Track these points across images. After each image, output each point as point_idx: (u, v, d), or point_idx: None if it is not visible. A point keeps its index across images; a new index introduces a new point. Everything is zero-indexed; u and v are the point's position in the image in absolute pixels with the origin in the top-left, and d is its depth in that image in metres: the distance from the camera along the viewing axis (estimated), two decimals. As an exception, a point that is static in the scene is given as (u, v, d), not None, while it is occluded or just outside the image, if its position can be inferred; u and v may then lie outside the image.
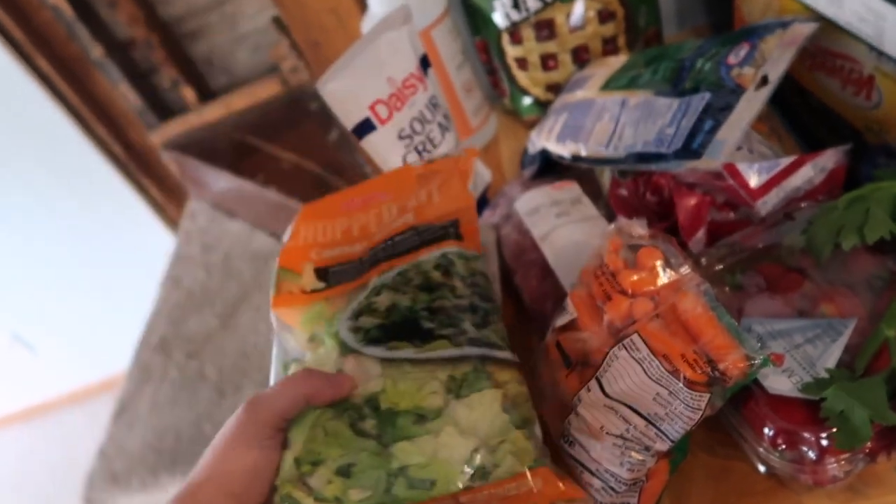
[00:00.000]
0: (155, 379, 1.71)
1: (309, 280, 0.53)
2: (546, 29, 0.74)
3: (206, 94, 1.98)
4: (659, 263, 0.45)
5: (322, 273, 0.53)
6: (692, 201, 0.51)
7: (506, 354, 0.45)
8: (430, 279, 0.48)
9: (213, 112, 1.97)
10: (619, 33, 0.75)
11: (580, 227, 0.62)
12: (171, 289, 1.91)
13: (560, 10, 0.73)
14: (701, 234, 0.50)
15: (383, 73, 0.66)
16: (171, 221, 2.26)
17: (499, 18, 0.75)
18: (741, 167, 0.50)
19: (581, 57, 0.75)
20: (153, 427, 1.55)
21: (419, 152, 0.69)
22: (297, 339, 0.51)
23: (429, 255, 0.49)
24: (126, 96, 1.96)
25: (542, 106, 0.80)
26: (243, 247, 1.98)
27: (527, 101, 0.81)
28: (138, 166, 2.15)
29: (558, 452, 0.46)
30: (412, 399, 0.42)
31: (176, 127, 2.02)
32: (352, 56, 0.65)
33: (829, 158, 0.49)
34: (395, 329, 0.45)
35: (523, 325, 0.63)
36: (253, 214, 1.95)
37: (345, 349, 0.45)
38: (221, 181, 1.97)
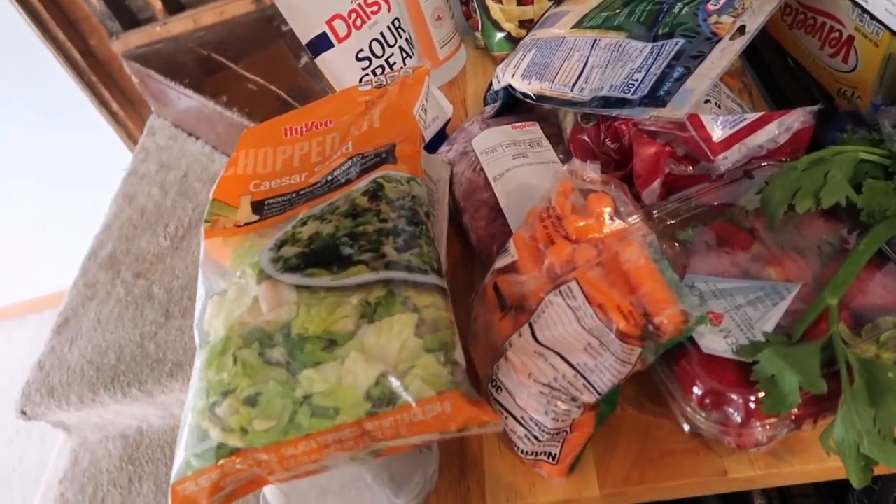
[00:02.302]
0: (100, 295, 1.66)
1: (244, 214, 0.50)
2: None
3: (175, 5, 1.88)
4: (607, 210, 0.43)
5: (258, 206, 0.50)
6: (651, 150, 0.48)
7: (428, 278, 0.42)
8: (356, 205, 0.45)
9: (180, 25, 1.87)
10: (601, -29, 0.71)
11: (536, 170, 0.59)
12: (123, 205, 1.85)
13: (541, -62, 0.68)
14: (656, 184, 0.48)
15: (344, -15, 0.62)
16: (131, 136, 2.18)
17: (476, -58, 0.70)
18: (705, 119, 0.48)
19: (558, -8, 0.71)
20: (95, 343, 1.52)
21: (377, 76, 0.65)
22: (226, 275, 0.48)
23: (360, 184, 0.47)
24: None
25: (514, 42, 0.76)
26: (202, 168, 1.91)
27: (498, 35, 0.77)
28: (99, 75, 2.05)
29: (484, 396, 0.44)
30: (323, 324, 0.40)
31: (140, 37, 1.92)
32: (311, -35, 0.61)
33: (796, 118, 0.47)
34: (314, 257, 0.43)
35: (469, 265, 0.61)
36: (214, 135, 1.88)
37: (261, 276, 0.43)
38: (183, 99, 1.89)
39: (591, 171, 0.45)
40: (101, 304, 1.62)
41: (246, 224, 0.50)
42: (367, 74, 0.64)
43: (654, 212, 0.47)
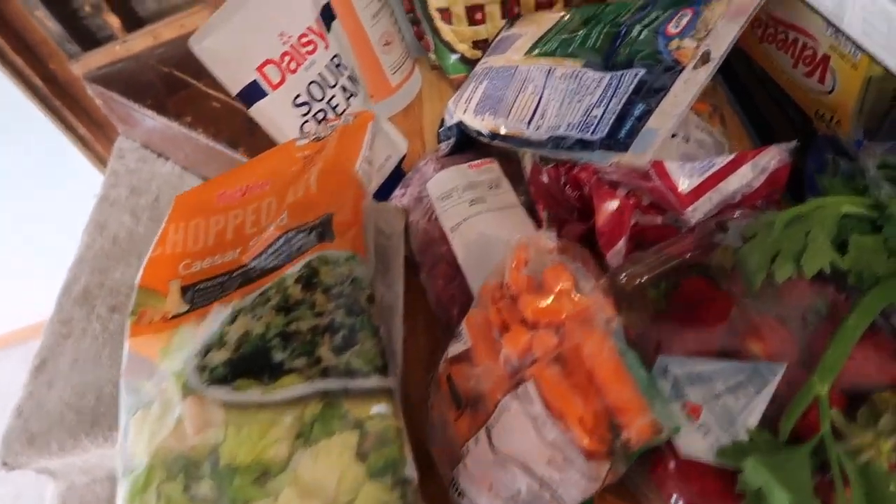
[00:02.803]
0: (76, 333, 1.61)
1: (174, 303, 0.45)
2: (468, -21, 0.64)
3: (133, 21, 1.81)
4: (566, 286, 0.39)
5: (188, 293, 0.46)
6: (613, 205, 0.44)
7: (370, 381, 0.38)
8: (288, 297, 0.40)
9: (140, 42, 1.80)
10: (555, -17, 0.65)
11: (495, 217, 0.54)
12: (95, 234, 1.79)
13: (487, -46, 0.63)
14: (621, 244, 0.43)
15: (274, 27, 0.57)
16: (101, 160, 2.12)
17: (417, -38, 0.64)
18: (670, 167, 0.43)
19: (511, 10, 0.66)
20: (74, 385, 1.47)
21: (319, 122, 0.60)
22: (155, 375, 0.44)
23: (293, 268, 0.42)
24: (44, 22, 1.78)
25: (470, 64, 0.71)
26: (174, 190, 1.85)
27: (453, 57, 0.71)
28: (62, 100, 1.98)
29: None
30: (253, 450, 0.35)
31: (100, 58, 1.85)
32: (234, 6, 0.55)
33: (771, 158, 0.42)
34: (243, 364, 0.38)
35: (433, 323, 0.56)
36: (182, 156, 1.82)
37: (186, 391, 0.38)
38: (148, 119, 1.83)
39: (546, 240, 0.41)
40: (77, 342, 1.57)
41: (175, 316, 0.45)
42: (308, 121, 0.59)
43: (622, 276, 0.43)
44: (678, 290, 0.45)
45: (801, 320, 0.37)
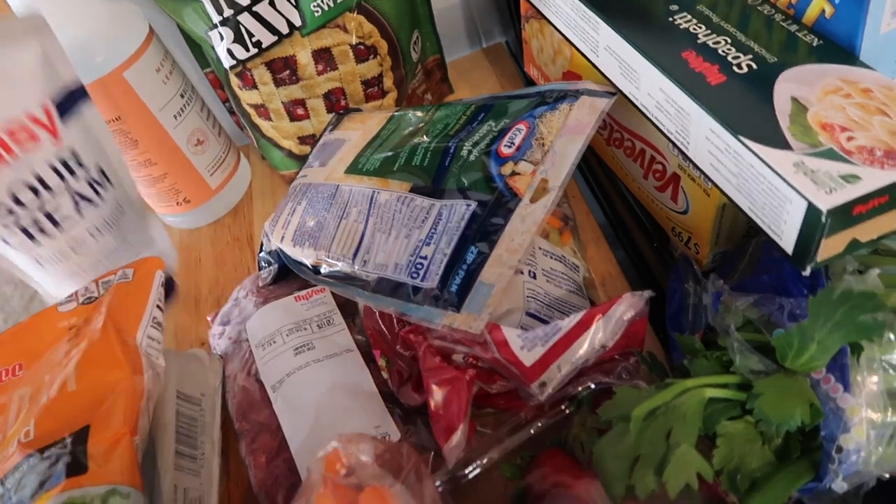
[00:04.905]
0: None
1: None
2: (286, 69, 0.55)
3: None
4: (387, 517, 0.30)
5: None
6: (446, 386, 0.36)
7: None
8: None
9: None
10: (385, 71, 0.58)
11: (325, 369, 0.45)
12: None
13: (301, 44, 0.54)
14: (458, 436, 0.35)
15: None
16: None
17: (222, 56, 0.55)
18: (510, 337, 0.36)
19: (337, 103, 0.58)
20: None
21: (29, 235, 0.48)
22: None
23: None
24: None
25: (300, 159, 0.62)
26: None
27: (279, 154, 0.62)
28: None
29: None
30: None
31: None
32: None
33: (624, 311, 0.36)
34: None
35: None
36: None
37: None
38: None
39: (362, 454, 0.32)
40: None
41: None
42: (13, 232, 0.47)
43: (465, 472, 0.35)
44: (536, 465, 0.38)
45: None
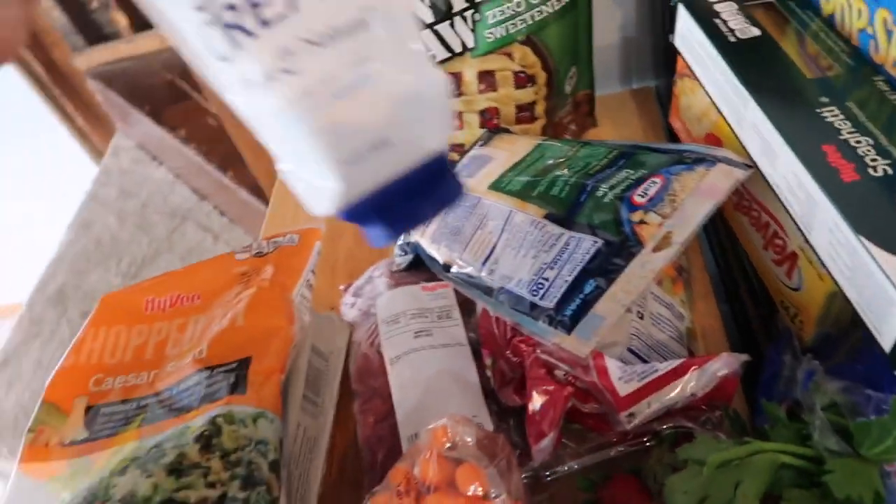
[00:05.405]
0: (45, 334, 1.59)
1: (73, 427, 0.43)
2: (452, 83, 0.61)
3: (142, 22, 1.79)
4: (475, 492, 0.36)
5: (91, 416, 0.43)
6: (546, 395, 0.41)
7: None
8: (183, 456, 0.38)
9: (147, 43, 1.78)
10: (539, 100, 0.63)
11: (438, 356, 0.52)
12: (79, 233, 1.77)
13: (469, 64, 0.60)
14: (548, 441, 0.40)
15: None
16: (98, 152, 2.09)
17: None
18: (610, 367, 0.40)
19: (490, 121, 0.64)
20: (34, 390, 1.45)
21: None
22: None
23: (197, 418, 0.39)
24: (50, 12, 1.77)
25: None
26: (163, 199, 1.83)
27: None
28: (62, 89, 1.97)
29: None
30: None
31: (104, 54, 1.84)
32: None
33: (718, 368, 0.39)
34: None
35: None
36: (175, 165, 1.80)
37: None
38: (144, 125, 1.81)
39: (466, 435, 0.38)
40: (44, 345, 1.55)
41: (72, 443, 0.43)
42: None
43: (547, 473, 0.40)
44: (609, 485, 0.42)
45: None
